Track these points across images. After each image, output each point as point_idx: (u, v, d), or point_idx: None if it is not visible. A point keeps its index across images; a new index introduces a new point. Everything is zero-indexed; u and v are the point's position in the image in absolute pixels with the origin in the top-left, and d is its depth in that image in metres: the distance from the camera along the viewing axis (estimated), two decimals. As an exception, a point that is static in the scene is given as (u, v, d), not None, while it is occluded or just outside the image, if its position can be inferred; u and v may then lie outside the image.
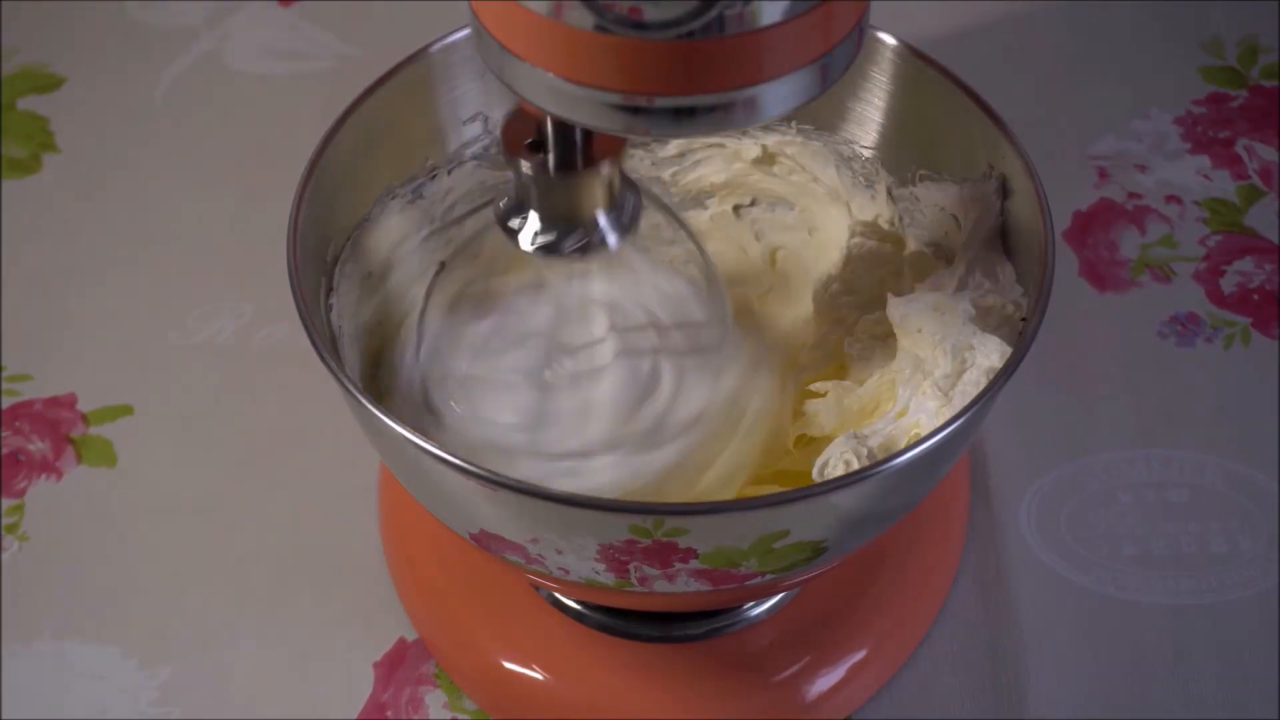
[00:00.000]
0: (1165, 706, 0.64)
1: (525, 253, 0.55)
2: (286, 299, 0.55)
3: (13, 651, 0.66)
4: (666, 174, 0.68)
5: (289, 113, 0.87)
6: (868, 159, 0.65)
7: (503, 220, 0.55)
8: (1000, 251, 0.61)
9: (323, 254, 0.60)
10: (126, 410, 0.74)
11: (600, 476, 0.58)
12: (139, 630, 0.67)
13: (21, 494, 0.72)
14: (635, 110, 0.46)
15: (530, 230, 0.54)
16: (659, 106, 0.46)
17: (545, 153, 0.53)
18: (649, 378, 0.60)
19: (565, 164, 0.53)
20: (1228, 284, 0.78)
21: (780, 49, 0.46)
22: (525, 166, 0.53)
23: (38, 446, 0.73)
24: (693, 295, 0.62)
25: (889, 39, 0.62)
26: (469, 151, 0.65)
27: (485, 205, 0.59)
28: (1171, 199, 0.82)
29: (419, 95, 0.63)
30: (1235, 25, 0.90)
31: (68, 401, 0.75)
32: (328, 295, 0.60)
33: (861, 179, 0.66)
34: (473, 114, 0.65)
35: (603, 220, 0.54)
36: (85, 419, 0.74)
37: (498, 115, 0.66)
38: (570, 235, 0.54)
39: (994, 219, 0.60)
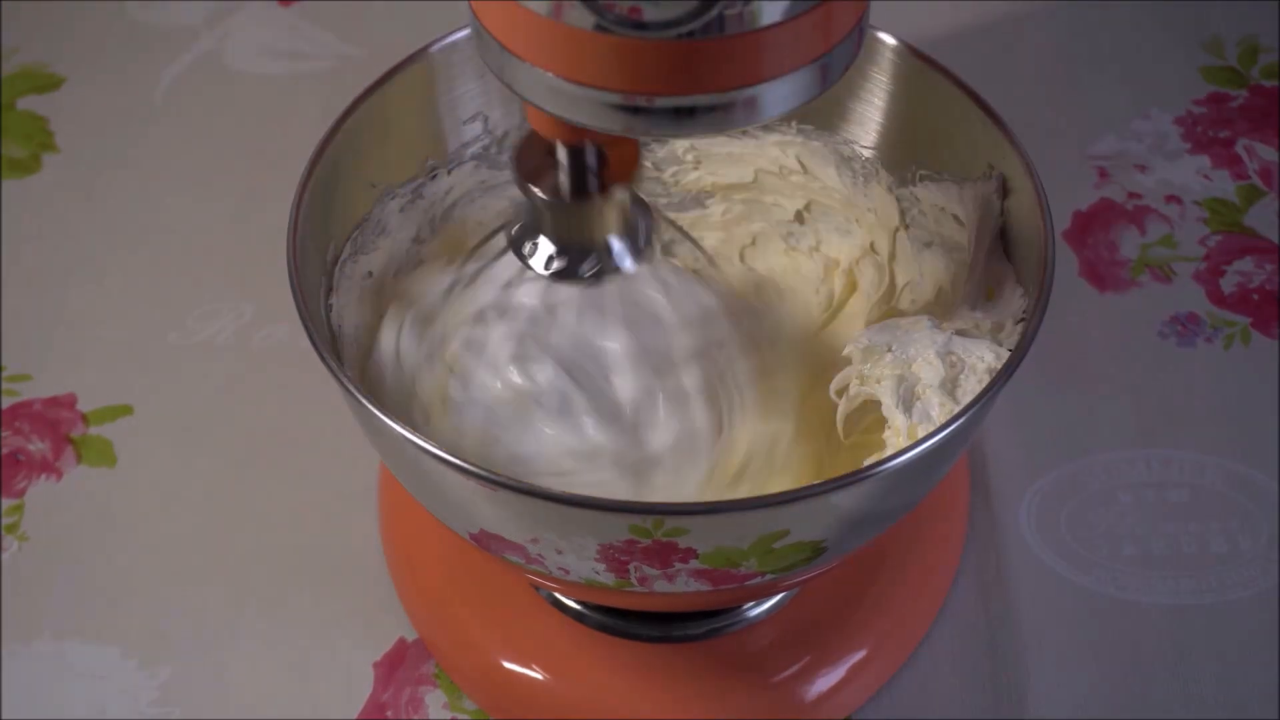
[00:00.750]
0: (1165, 706, 0.64)
1: (540, 276, 0.55)
2: (286, 299, 0.55)
3: (13, 651, 0.66)
4: (667, 173, 0.68)
5: (289, 113, 0.87)
6: (868, 159, 0.65)
7: (516, 246, 0.55)
8: (1000, 252, 0.61)
9: (323, 254, 0.60)
10: (126, 410, 0.74)
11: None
12: (139, 630, 0.67)
13: (21, 494, 0.72)
14: (635, 110, 0.46)
15: (543, 255, 0.54)
16: (659, 106, 0.46)
17: (557, 179, 0.53)
18: (663, 404, 0.60)
19: (578, 190, 0.53)
20: (1228, 284, 0.78)
21: (780, 49, 0.46)
22: (537, 192, 0.53)
23: (38, 446, 0.73)
24: (712, 309, 0.62)
25: (889, 39, 0.62)
26: (469, 151, 0.65)
27: (498, 231, 0.59)
28: (1171, 199, 0.82)
29: (419, 95, 0.63)
30: (1235, 25, 0.90)
31: (67, 401, 0.75)
32: (328, 295, 0.60)
33: (861, 179, 0.66)
34: (473, 114, 0.65)
35: (616, 245, 0.55)
36: (85, 419, 0.74)
37: (498, 115, 0.66)
38: (585, 260, 0.54)
39: (994, 219, 0.60)
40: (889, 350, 0.58)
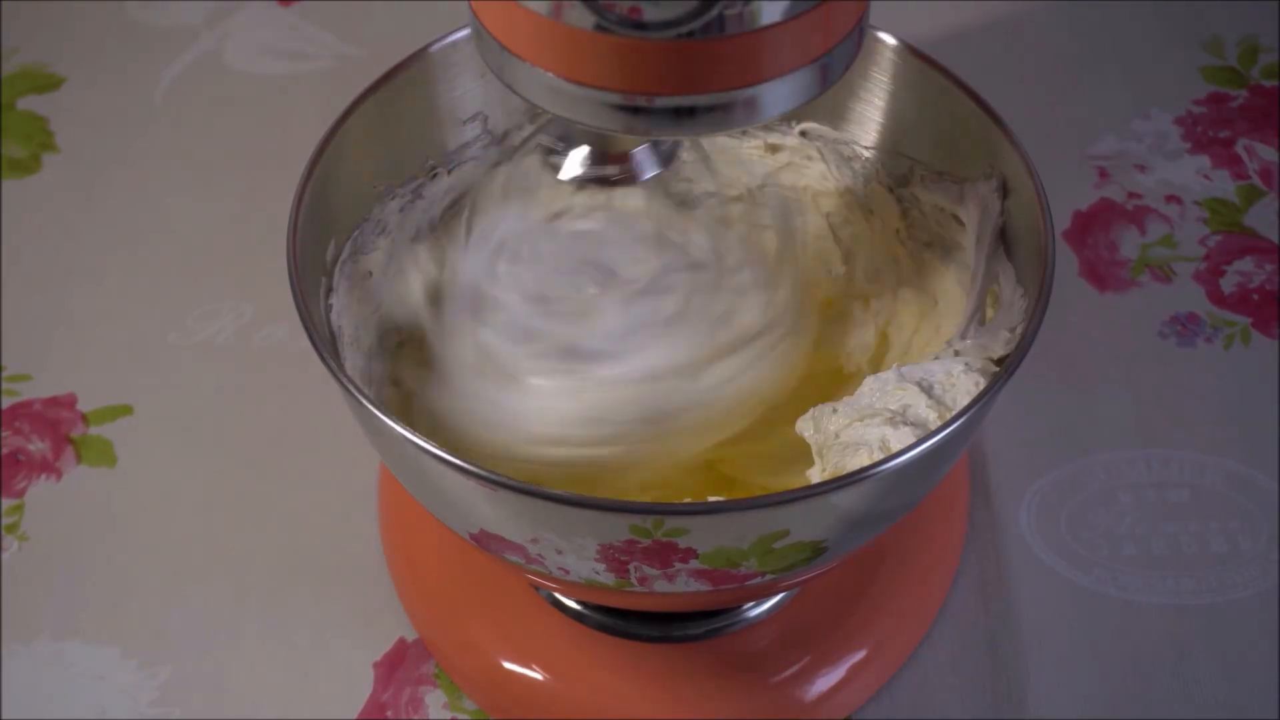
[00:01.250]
0: (1165, 706, 0.64)
1: (561, 183, 0.55)
2: (286, 299, 0.55)
3: (13, 651, 0.66)
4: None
5: (289, 113, 0.87)
6: (868, 159, 0.65)
7: (547, 152, 0.55)
8: (1000, 252, 0.61)
9: (323, 254, 0.60)
10: (126, 410, 0.74)
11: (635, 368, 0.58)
12: (139, 630, 0.67)
13: (21, 494, 0.72)
14: (635, 110, 0.46)
15: (572, 161, 0.55)
16: (659, 106, 0.46)
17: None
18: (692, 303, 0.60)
19: None
20: (1228, 284, 0.78)
21: (780, 49, 0.46)
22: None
23: (38, 446, 0.73)
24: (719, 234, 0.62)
25: (889, 39, 0.62)
26: (469, 151, 0.65)
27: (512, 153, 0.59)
28: (1171, 199, 0.82)
29: (419, 95, 0.63)
30: (1235, 25, 0.90)
31: (68, 401, 0.75)
32: (328, 295, 0.60)
33: (861, 179, 0.66)
34: (473, 114, 0.65)
35: (640, 153, 0.54)
36: (85, 419, 0.74)
37: (498, 115, 0.66)
38: (609, 167, 0.55)
39: (994, 219, 0.60)
40: (834, 411, 0.58)
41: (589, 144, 0.54)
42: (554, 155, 0.55)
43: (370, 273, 0.63)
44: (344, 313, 0.60)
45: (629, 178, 0.55)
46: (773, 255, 0.63)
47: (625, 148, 0.55)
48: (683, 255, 0.61)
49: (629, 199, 0.62)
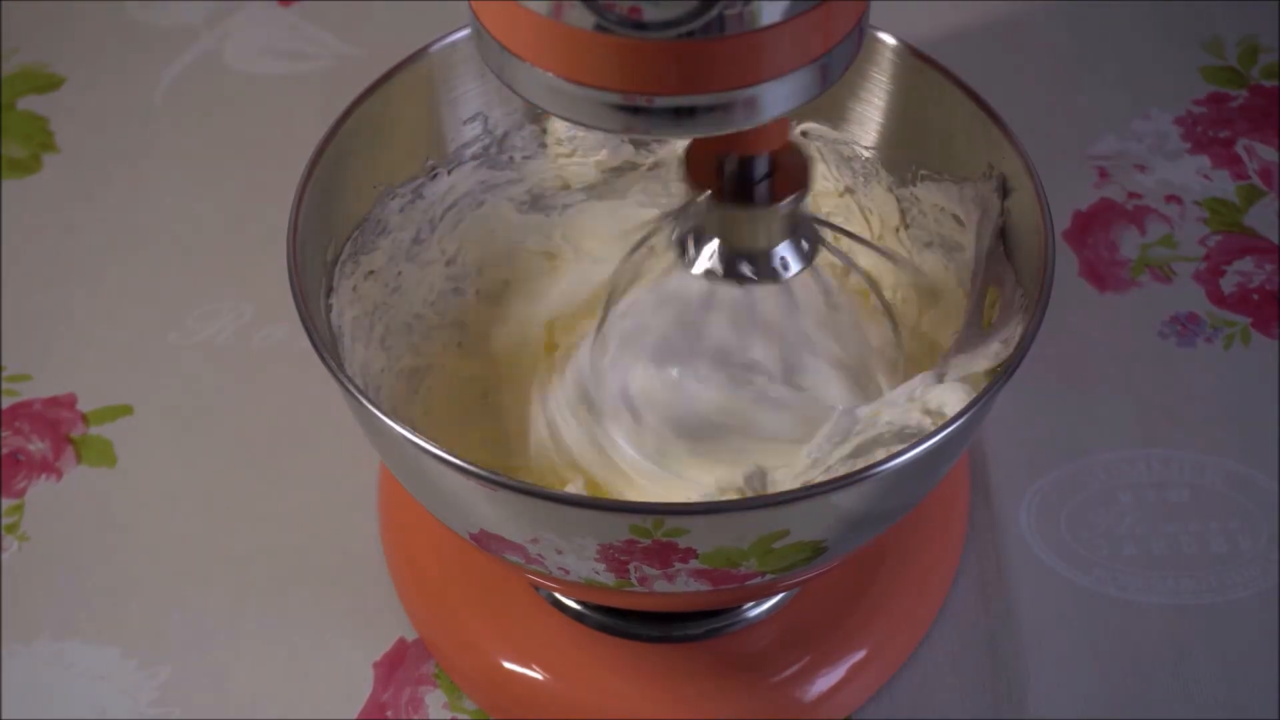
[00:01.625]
0: (1166, 706, 0.64)
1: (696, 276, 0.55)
2: (286, 299, 0.55)
3: (13, 651, 0.66)
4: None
5: (289, 113, 0.87)
6: (868, 159, 0.65)
7: (679, 244, 0.55)
8: (1000, 252, 0.61)
9: (323, 254, 0.60)
10: (126, 410, 0.74)
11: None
12: (139, 630, 0.67)
13: (21, 494, 0.72)
14: (635, 110, 0.46)
15: (705, 256, 0.55)
16: (659, 106, 0.46)
17: (725, 183, 0.53)
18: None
19: (743, 196, 0.53)
20: (1228, 284, 0.78)
21: (780, 49, 0.46)
22: (703, 195, 0.53)
23: (38, 446, 0.73)
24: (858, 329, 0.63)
25: (889, 39, 0.62)
26: (469, 151, 0.65)
27: (653, 234, 0.59)
28: (1171, 199, 0.82)
29: (419, 95, 0.63)
30: (1235, 25, 0.90)
31: (68, 401, 0.75)
32: (328, 295, 0.60)
33: (861, 179, 0.66)
34: (473, 114, 0.65)
35: (780, 254, 0.55)
36: (85, 419, 0.74)
37: (498, 115, 0.66)
38: (745, 266, 0.55)
39: (994, 219, 0.60)
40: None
41: (721, 241, 0.55)
42: (685, 254, 0.55)
43: (371, 272, 0.63)
44: (344, 313, 0.60)
45: (771, 277, 0.55)
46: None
47: (760, 247, 0.55)
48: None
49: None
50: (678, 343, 0.60)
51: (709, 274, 0.55)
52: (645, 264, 0.60)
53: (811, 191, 0.55)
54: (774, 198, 0.54)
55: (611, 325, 0.60)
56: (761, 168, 0.54)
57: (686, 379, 0.60)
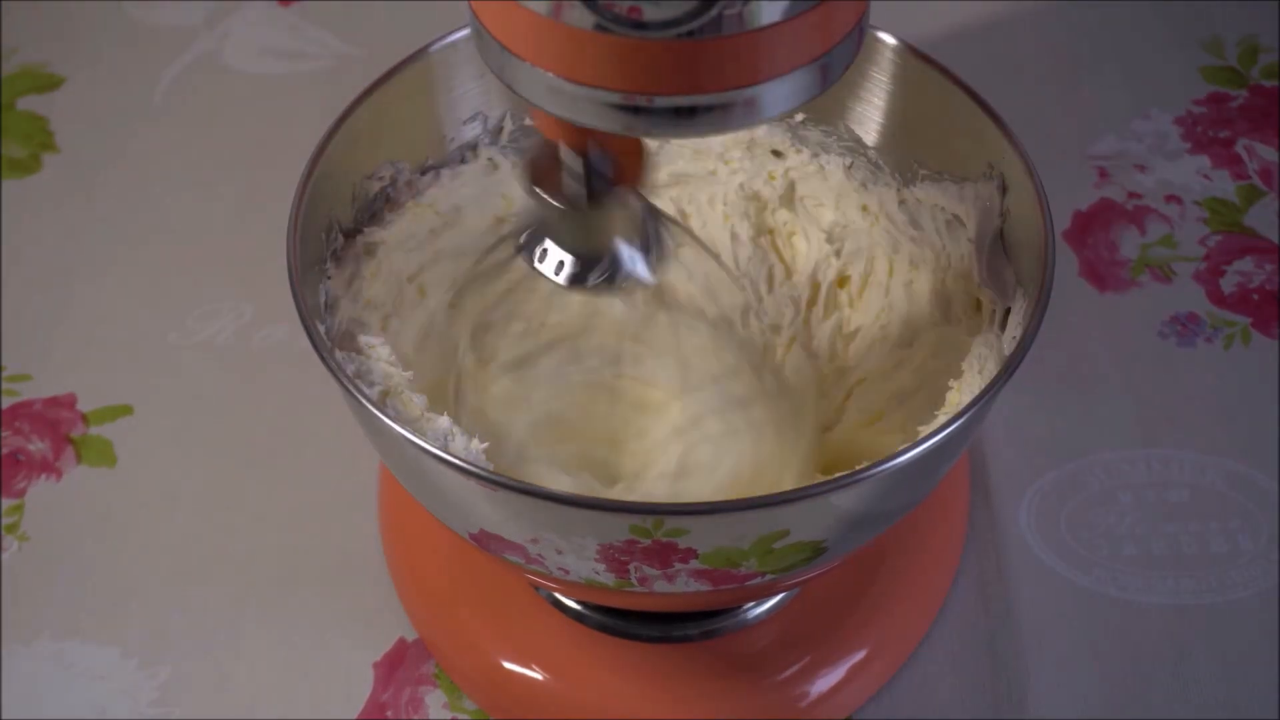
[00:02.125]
0: (1165, 706, 0.64)
1: (553, 283, 0.54)
2: (286, 299, 0.55)
3: (13, 651, 0.66)
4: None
5: (289, 113, 0.87)
6: (868, 159, 0.65)
7: (526, 253, 0.54)
8: (1000, 252, 0.61)
9: (322, 254, 0.60)
10: (126, 410, 0.74)
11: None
12: (139, 630, 0.67)
13: (21, 494, 0.72)
14: (635, 110, 0.46)
15: (553, 260, 0.54)
16: (659, 106, 0.46)
17: (565, 185, 0.52)
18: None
19: (586, 195, 0.52)
20: (1228, 284, 0.78)
21: (780, 49, 0.46)
22: (545, 197, 0.52)
23: (38, 446, 0.73)
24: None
25: (889, 39, 0.62)
26: (469, 152, 0.65)
27: (501, 241, 0.58)
28: (1171, 199, 0.82)
29: (419, 95, 0.63)
30: (1235, 25, 0.90)
31: (68, 401, 0.75)
32: (327, 295, 0.60)
33: (861, 178, 0.66)
34: (473, 114, 0.65)
35: (625, 251, 0.54)
36: (85, 419, 0.74)
37: (497, 115, 0.66)
38: (595, 267, 0.54)
39: (994, 219, 0.60)
40: None
41: (566, 245, 0.53)
42: (534, 259, 0.54)
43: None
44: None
45: (613, 279, 0.54)
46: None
47: (599, 251, 0.54)
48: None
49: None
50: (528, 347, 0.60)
51: (564, 280, 0.54)
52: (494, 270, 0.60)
53: (644, 185, 0.53)
54: (610, 191, 0.52)
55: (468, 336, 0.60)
56: (598, 163, 0.52)
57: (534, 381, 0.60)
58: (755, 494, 0.55)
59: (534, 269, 0.54)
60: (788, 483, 0.60)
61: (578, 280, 0.54)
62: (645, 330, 0.61)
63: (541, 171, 0.53)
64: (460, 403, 0.59)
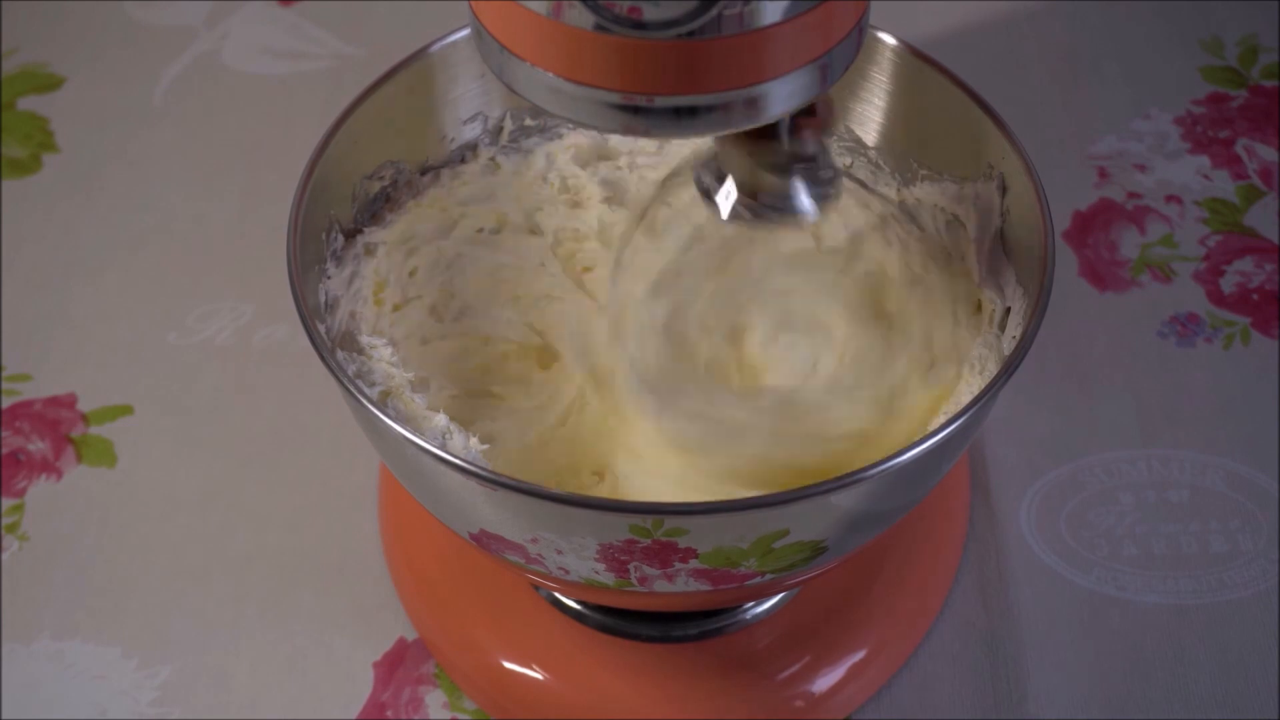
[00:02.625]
0: (1165, 706, 0.64)
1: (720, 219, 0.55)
2: (286, 299, 0.55)
3: (13, 651, 0.66)
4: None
5: (289, 112, 0.87)
6: (868, 159, 0.65)
7: (701, 186, 0.54)
8: (1000, 252, 0.61)
9: (322, 254, 0.60)
10: (126, 410, 0.75)
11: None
12: (139, 630, 0.67)
13: (21, 494, 0.72)
14: (635, 110, 0.46)
15: (727, 197, 0.54)
16: (659, 106, 0.46)
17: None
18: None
19: (764, 133, 0.52)
20: (1228, 284, 0.78)
21: (780, 49, 0.46)
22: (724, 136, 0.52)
23: (38, 446, 0.73)
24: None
25: (889, 39, 0.62)
26: (469, 152, 0.65)
27: (674, 176, 0.59)
28: (1171, 199, 0.82)
29: (419, 95, 0.63)
30: (1235, 25, 0.90)
31: (68, 401, 0.75)
32: (327, 294, 0.60)
33: (861, 179, 0.66)
34: (473, 114, 0.65)
35: (799, 190, 0.54)
36: (85, 419, 0.74)
37: (498, 115, 0.66)
38: (766, 203, 0.54)
39: (994, 219, 0.60)
40: None
41: (740, 180, 0.54)
42: (710, 194, 0.55)
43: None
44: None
45: (789, 209, 0.54)
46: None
47: (777, 185, 0.54)
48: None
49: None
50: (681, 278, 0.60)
51: (729, 209, 0.54)
52: (664, 201, 0.60)
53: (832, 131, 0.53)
54: (793, 132, 0.52)
55: (627, 256, 0.60)
56: None
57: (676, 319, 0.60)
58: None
59: (706, 199, 0.54)
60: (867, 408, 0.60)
61: (747, 214, 0.54)
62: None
63: None
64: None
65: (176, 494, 0.72)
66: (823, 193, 0.55)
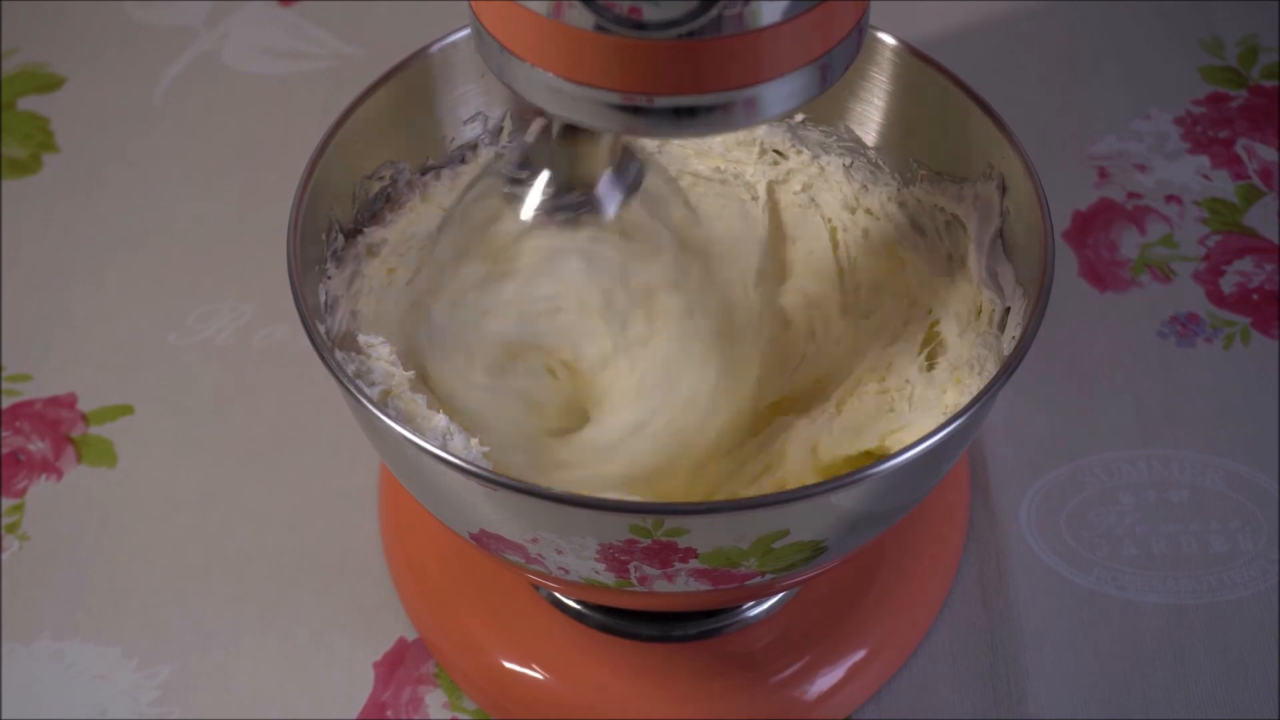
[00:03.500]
0: (1165, 706, 0.64)
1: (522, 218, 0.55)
2: (286, 299, 0.55)
3: (13, 651, 0.66)
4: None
5: (289, 112, 0.87)
6: (868, 159, 0.65)
7: (509, 180, 0.55)
8: (1000, 252, 0.61)
9: (322, 254, 0.60)
10: (126, 410, 0.75)
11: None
12: (139, 630, 0.67)
13: (21, 494, 0.72)
14: (635, 110, 0.46)
15: (534, 193, 0.54)
16: (659, 106, 0.46)
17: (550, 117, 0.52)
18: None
19: (568, 128, 0.52)
20: (1227, 284, 0.78)
21: (780, 49, 0.46)
22: (532, 129, 0.53)
23: (38, 446, 0.73)
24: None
25: (889, 39, 0.62)
26: (469, 152, 0.65)
27: (482, 178, 0.58)
28: (1171, 199, 0.82)
29: (419, 95, 0.63)
30: (1235, 25, 0.90)
31: (68, 401, 0.75)
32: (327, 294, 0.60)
33: (860, 179, 0.66)
34: (473, 114, 0.65)
35: (604, 184, 0.54)
36: (85, 419, 0.74)
37: (498, 115, 0.66)
38: (569, 197, 0.54)
39: (994, 219, 0.60)
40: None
41: (552, 170, 0.54)
42: (516, 185, 0.55)
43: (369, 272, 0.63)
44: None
45: (593, 207, 0.54)
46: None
47: (591, 175, 0.54)
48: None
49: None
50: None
51: (538, 210, 0.54)
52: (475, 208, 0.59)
53: None
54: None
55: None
56: None
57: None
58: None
59: (512, 198, 0.55)
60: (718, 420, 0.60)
61: (550, 210, 0.54)
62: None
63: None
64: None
65: (176, 494, 0.72)
66: (627, 187, 0.55)
